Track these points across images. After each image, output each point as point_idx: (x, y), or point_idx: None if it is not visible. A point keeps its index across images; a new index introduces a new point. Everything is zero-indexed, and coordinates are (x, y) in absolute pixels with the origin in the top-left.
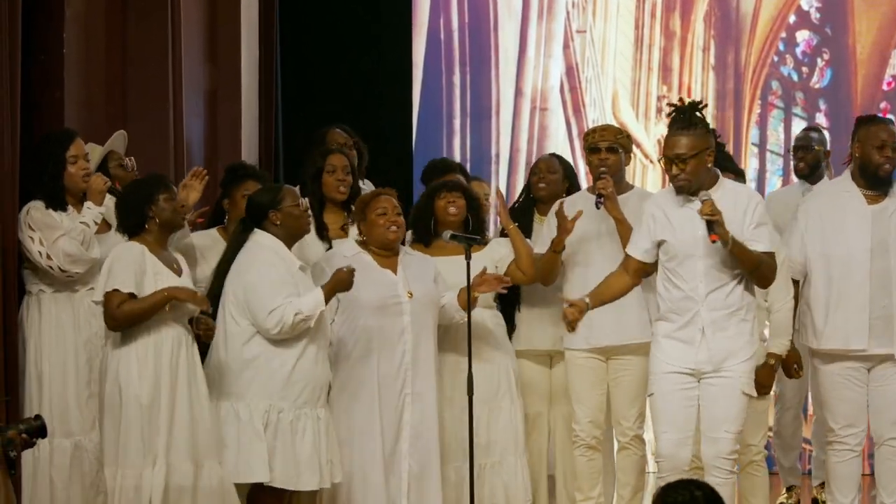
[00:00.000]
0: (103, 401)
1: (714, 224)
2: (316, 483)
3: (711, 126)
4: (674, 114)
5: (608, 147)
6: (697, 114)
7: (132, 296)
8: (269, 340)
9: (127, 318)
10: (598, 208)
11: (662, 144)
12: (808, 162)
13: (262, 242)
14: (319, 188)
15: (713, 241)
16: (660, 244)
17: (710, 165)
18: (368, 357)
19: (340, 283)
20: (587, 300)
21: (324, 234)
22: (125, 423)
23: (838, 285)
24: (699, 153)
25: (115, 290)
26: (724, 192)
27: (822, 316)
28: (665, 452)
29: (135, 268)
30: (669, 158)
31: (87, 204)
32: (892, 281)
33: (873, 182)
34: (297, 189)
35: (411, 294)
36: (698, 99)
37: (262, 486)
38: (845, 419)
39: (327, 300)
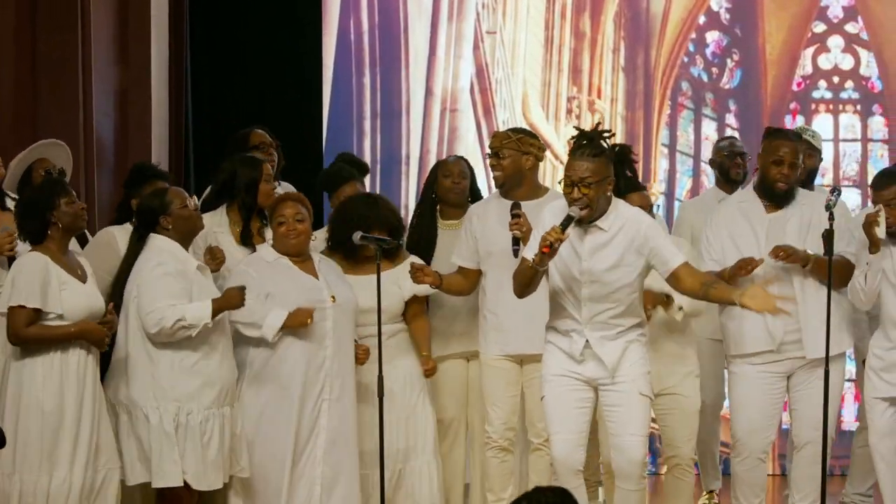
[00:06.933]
0: (3, 406)
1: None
2: (221, 481)
3: (620, 130)
4: (580, 140)
5: (494, 152)
6: (604, 142)
7: (37, 311)
8: (174, 344)
9: (33, 340)
10: (515, 256)
11: (565, 167)
12: (744, 168)
13: (159, 246)
14: (254, 197)
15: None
16: None
17: (609, 194)
18: (290, 359)
19: (230, 301)
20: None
21: (249, 241)
22: (25, 429)
23: None
24: (602, 180)
25: (21, 306)
26: (618, 216)
27: (729, 322)
28: (558, 454)
29: (40, 280)
30: (573, 181)
31: None
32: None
33: (770, 196)
34: (183, 190)
35: (334, 298)
36: (606, 126)
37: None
38: (751, 425)
39: (214, 315)
